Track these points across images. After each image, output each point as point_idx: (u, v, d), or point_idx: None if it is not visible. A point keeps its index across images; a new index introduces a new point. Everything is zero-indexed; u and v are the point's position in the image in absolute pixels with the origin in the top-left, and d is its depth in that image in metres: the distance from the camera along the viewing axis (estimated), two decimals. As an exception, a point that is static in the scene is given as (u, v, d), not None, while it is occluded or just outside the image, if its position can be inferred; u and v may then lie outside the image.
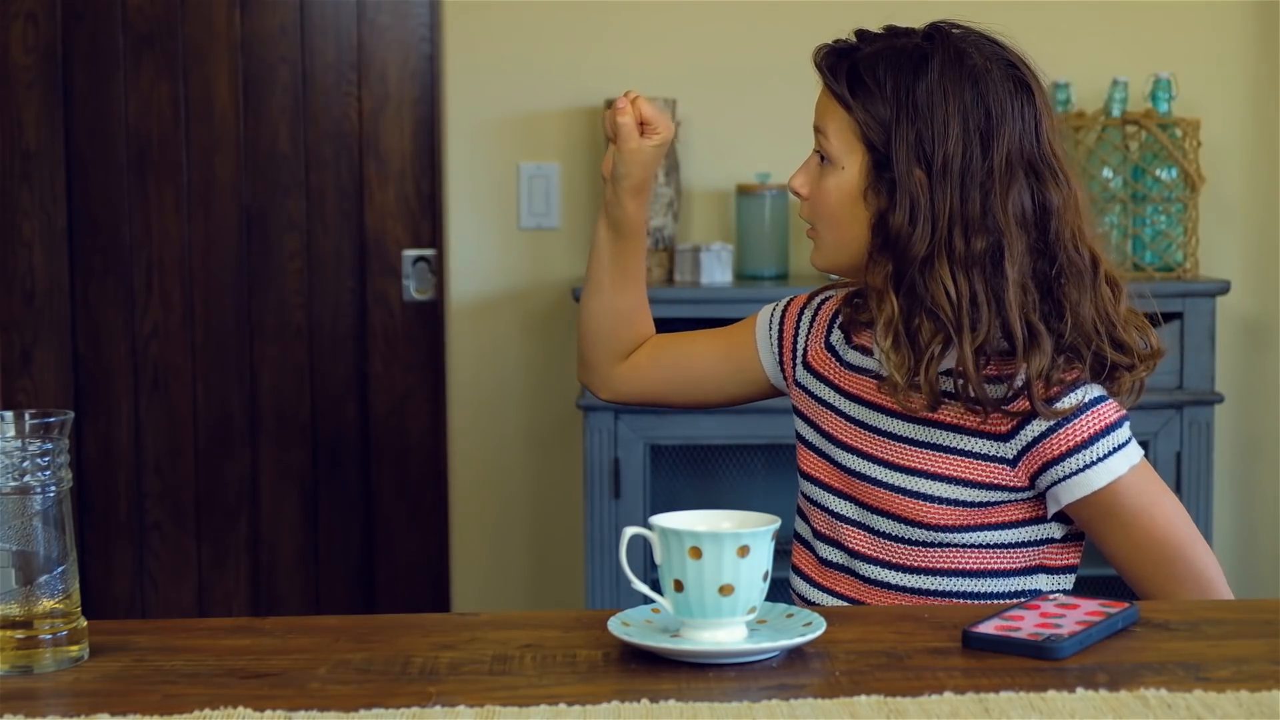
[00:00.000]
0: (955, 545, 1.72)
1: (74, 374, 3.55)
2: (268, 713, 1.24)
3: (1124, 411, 1.71)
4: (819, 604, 1.78)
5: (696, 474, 3.45)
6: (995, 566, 1.73)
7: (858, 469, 1.77)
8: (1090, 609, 1.46)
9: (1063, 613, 1.45)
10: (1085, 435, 1.67)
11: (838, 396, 1.82)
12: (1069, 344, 1.69)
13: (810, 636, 1.37)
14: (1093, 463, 1.67)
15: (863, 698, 1.26)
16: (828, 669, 1.35)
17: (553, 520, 3.52)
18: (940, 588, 1.73)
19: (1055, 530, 1.74)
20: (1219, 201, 3.47)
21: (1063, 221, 1.71)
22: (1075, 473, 1.68)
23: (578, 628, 1.47)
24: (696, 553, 1.37)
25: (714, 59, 3.44)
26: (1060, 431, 1.68)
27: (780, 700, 1.26)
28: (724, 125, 3.46)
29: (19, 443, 1.35)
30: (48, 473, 1.36)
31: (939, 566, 1.73)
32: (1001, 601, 1.72)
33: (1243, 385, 3.52)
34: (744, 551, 1.37)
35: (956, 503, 1.72)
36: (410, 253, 3.57)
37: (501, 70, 3.43)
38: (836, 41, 1.76)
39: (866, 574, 1.76)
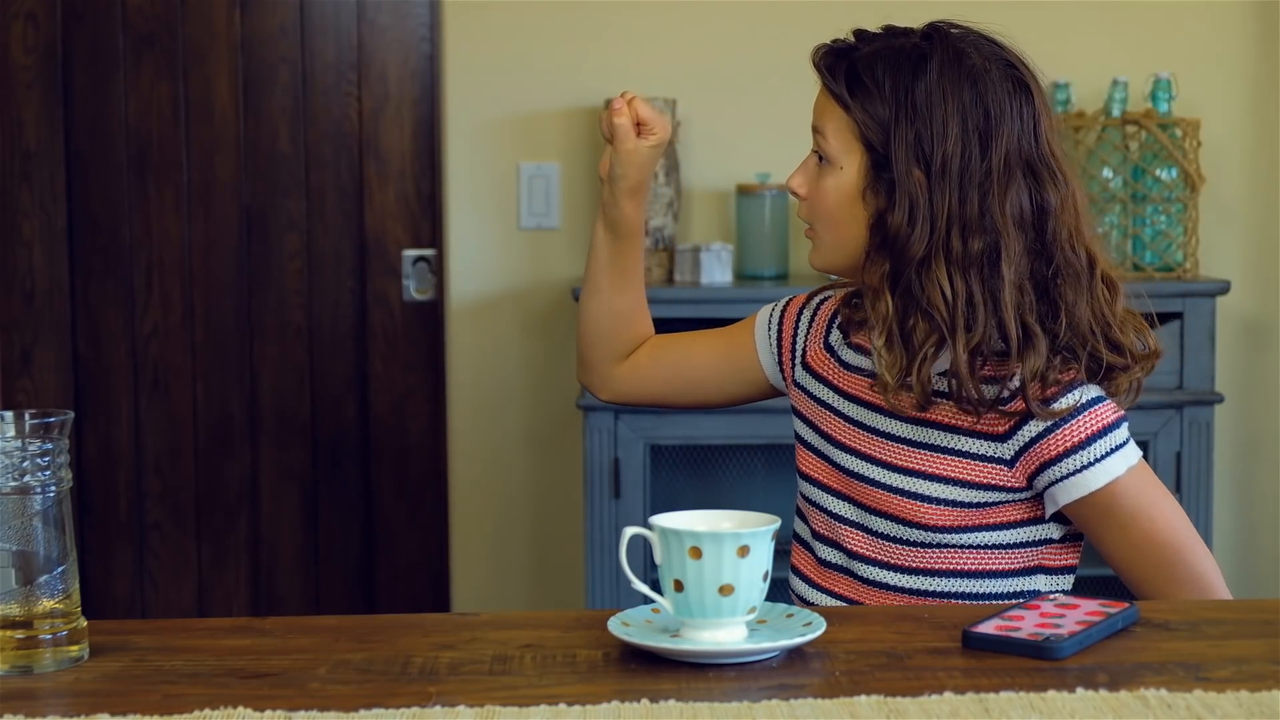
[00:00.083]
0: (953, 546, 1.72)
1: (74, 374, 3.55)
2: (268, 713, 1.24)
3: (1122, 412, 1.71)
4: (818, 605, 1.78)
5: (696, 474, 3.45)
6: (993, 567, 1.73)
7: (856, 469, 1.77)
8: (1090, 609, 1.46)
9: (1063, 613, 1.45)
10: (1083, 436, 1.67)
11: (836, 397, 1.82)
12: (1065, 344, 1.69)
13: (810, 636, 1.37)
14: (1091, 463, 1.67)
15: (863, 698, 1.26)
16: (828, 669, 1.35)
17: (553, 520, 3.52)
18: (938, 588, 1.73)
19: (1053, 531, 1.74)
20: (1219, 201, 3.47)
21: (1060, 222, 1.71)
22: (1073, 473, 1.68)
23: (578, 628, 1.47)
24: (696, 553, 1.37)
25: (714, 59, 3.44)
26: (1058, 432, 1.68)
27: (780, 700, 1.26)
28: (724, 125, 3.46)
29: (19, 443, 1.35)
30: (48, 473, 1.36)
31: (937, 567, 1.73)
32: (1000, 602, 1.72)
33: (1243, 385, 3.52)
34: (744, 551, 1.37)
35: (954, 503, 1.72)
36: (410, 253, 3.57)
37: (501, 70, 3.43)
38: (835, 41, 1.76)
39: (865, 575, 1.76)
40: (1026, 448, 1.69)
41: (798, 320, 1.91)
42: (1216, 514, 3.43)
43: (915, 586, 1.73)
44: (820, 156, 1.76)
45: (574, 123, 3.44)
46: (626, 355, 1.98)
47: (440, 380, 3.57)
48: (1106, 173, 3.31)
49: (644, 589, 1.43)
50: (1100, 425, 1.68)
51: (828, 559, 1.81)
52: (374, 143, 3.55)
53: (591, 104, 3.41)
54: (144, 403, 3.56)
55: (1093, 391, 1.70)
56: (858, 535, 1.77)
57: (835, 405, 1.82)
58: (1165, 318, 3.13)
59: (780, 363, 1.91)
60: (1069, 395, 1.68)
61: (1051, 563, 1.75)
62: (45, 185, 3.51)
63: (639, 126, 1.83)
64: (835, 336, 1.86)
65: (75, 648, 1.38)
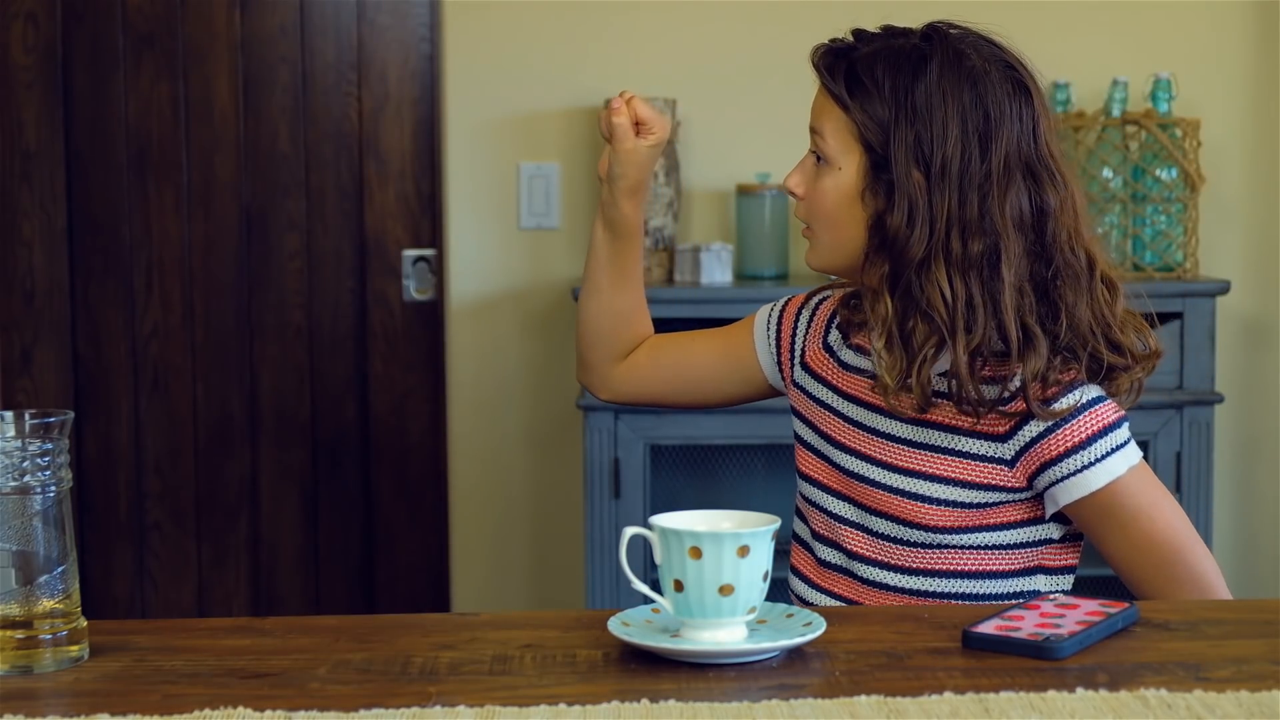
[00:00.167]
0: (953, 546, 1.72)
1: (74, 374, 3.55)
2: (268, 713, 1.24)
3: (1122, 412, 1.71)
4: (817, 605, 1.78)
5: (696, 474, 3.45)
6: (993, 568, 1.73)
7: (856, 470, 1.77)
8: (1090, 609, 1.46)
9: (1063, 613, 1.45)
10: (1084, 436, 1.67)
11: (835, 397, 1.82)
12: (1065, 345, 1.69)
13: (810, 636, 1.37)
14: (1091, 463, 1.67)
15: (863, 698, 1.26)
16: (828, 669, 1.35)
17: (553, 520, 3.52)
18: (938, 589, 1.73)
19: (1053, 531, 1.74)
20: (1219, 201, 3.47)
21: (1059, 224, 1.71)
22: (1074, 473, 1.67)
23: (578, 628, 1.47)
24: (696, 553, 1.37)
25: (714, 59, 3.44)
26: (1058, 432, 1.68)
27: (780, 700, 1.27)
28: (724, 125, 3.46)
29: (19, 443, 1.35)
30: (48, 473, 1.36)
31: (937, 568, 1.73)
32: (1000, 602, 1.72)
33: (1243, 385, 3.52)
34: (744, 551, 1.37)
35: (954, 504, 1.72)
36: (410, 253, 3.57)
37: (501, 70, 3.43)
38: (833, 41, 1.76)
39: (865, 575, 1.76)
40: (1027, 448, 1.69)
41: (796, 320, 1.91)
42: (1216, 514, 3.43)
43: (915, 587, 1.73)
44: (818, 157, 1.76)
45: (574, 123, 3.44)
46: (626, 355, 1.98)
47: (440, 380, 3.57)
48: (1106, 173, 3.31)
49: (644, 589, 1.43)
50: (1101, 425, 1.68)
51: (827, 559, 1.81)
52: (374, 143, 3.55)
53: (591, 104, 3.41)
54: (144, 403, 3.56)
55: (1093, 391, 1.70)
56: (857, 535, 1.77)
57: (834, 405, 1.82)
58: (1165, 318, 3.13)
59: (779, 363, 1.91)
60: (1069, 395, 1.68)
61: (1051, 563, 1.75)
62: (45, 185, 3.51)
63: (638, 126, 1.83)
64: (834, 337, 1.86)
65: (75, 648, 1.38)
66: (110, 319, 3.54)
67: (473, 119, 3.45)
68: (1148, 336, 1.75)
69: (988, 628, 1.41)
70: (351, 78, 3.53)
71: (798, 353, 1.89)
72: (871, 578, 1.76)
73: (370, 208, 3.56)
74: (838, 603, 1.78)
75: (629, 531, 1.42)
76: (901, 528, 1.73)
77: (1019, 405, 1.68)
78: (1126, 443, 1.69)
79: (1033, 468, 1.69)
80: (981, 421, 1.70)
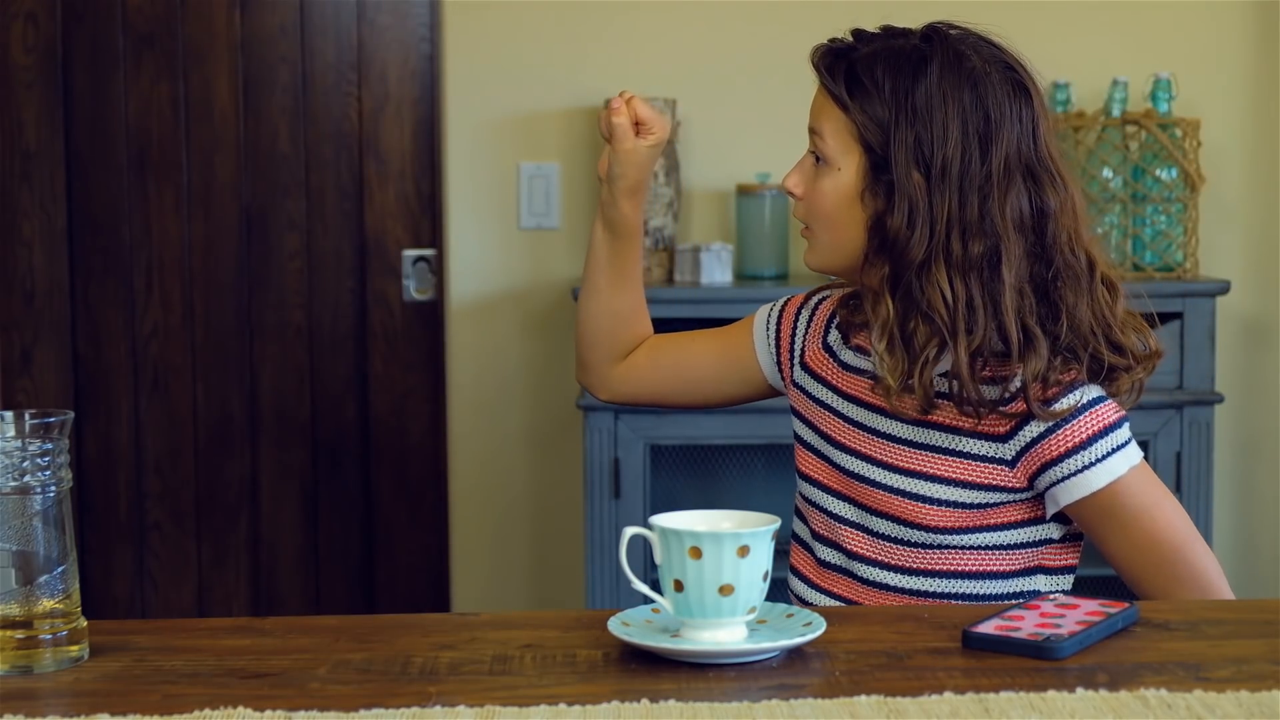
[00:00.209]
0: (954, 547, 1.72)
1: (74, 374, 3.55)
2: (268, 713, 1.24)
3: (1123, 412, 1.71)
4: (817, 605, 1.78)
5: (696, 474, 3.45)
6: (994, 568, 1.73)
7: (856, 470, 1.77)
8: (1090, 609, 1.46)
9: (1063, 613, 1.45)
10: (1084, 436, 1.67)
11: (835, 397, 1.82)
12: (1065, 346, 1.69)
13: (810, 636, 1.37)
14: (1092, 463, 1.67)
15: (863, 698, 1.26)
16: (828, 669, 1.35)
17: (553, 520, 3.52)
18: (938, 589, 1.73)
19: (1054, 531, 1.74)
20: (1219, 201, 3.47)
21: (1059, 225, 1.71)
22: (1074, 473, 1.67)
23: (578, 628, 1.47)
24: (696, 553, 1.37)
25: (714, 59, 3.44)
26: (1059, 432, 1.68)
27: (780, 700, 1.27)
28: (724, 125, 3.46)
29: (19, 443, 1.35)
30: (48, 473, 1.36)
31: (937, 568, 1.73)
32: (1000, 602, 1.72)
33: (1243, 385, 3.52)
34: (744, 551, 1.37)
35: (955, 504, 1.71)
36: (410, 253, 3.57)
37: (501, 70, 3.43)
38: (833, 41, 1.76)
39: (865, 575, 1.76)
40: (1027, 448, 1.69)
41: (796, 320, 1.91)
42: (1216, 514, 3.43)
43: (915, 587, 1.73)
44: (817, 157, 1.76)
45: (574, 123, 3.44)
46: (625, 355, 1.98)
47: (440, 380, 3.57)
48: (1106, 173, 3.30)
49: (644, 589, 1.43)
50: (1101, 425, 1.68)
51: (827, 559, 1.81)
52: (374, 143, 3.55)
53: (591, 104, 3.41)
54: (144, 403, 3.56)
55: (1093, 392, 1.70)
56: (858, 536, 1.77)
57: (834, 406, 1.82)
58: (1165, 318, 3.13)
59: (779, 363, 1.91)
60: (1070, 396, 1.68)
61: (1051, 563, 1.75)
62: (45, 185, 3.51)
63: (638, 126, 1.83)
64: (834, 337, 1.86)
65: (75, 648, 1.38)
66: (110, 319, 3.54)
67: (473, 119, 3.45)
68: (1148, 337, 1.75)
69: (988, 628, 1.41)
70: (351, 78, 3.53)
71: (797, 353, 1.89)
72: (871, 578, 1.76)
73: (370, 208, 3.56)
74: (837, 603, 1.78)
75: (629, 531, 1.42)
76: (902, 528, 1.73)
77: (1019, 406, 1.68)
78: (1127, 443, 1.69)
79: (1033, 468, 1.69)
80: (982, 422, 1.70)
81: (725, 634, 1.38)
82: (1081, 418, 1.68)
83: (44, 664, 1.36)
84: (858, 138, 1.71)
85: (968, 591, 1.72)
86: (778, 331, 1.92)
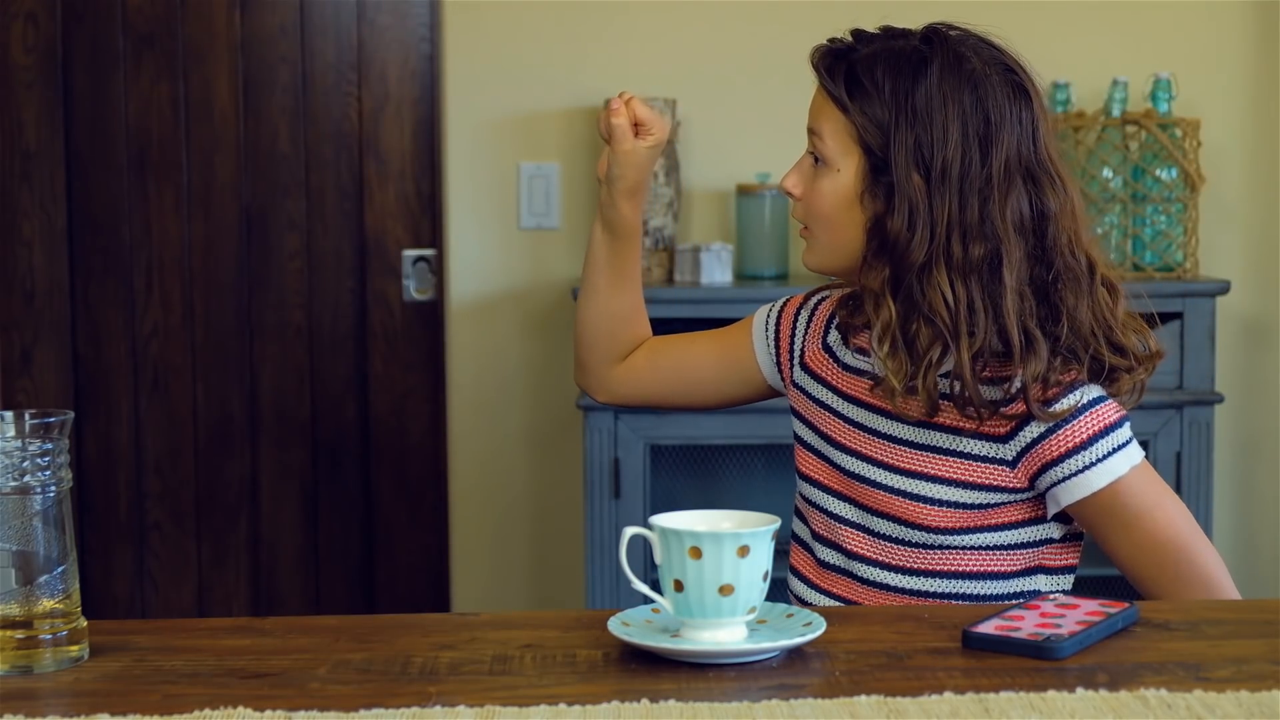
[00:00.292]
0: (955, 547, 1.72)
1: (74, 374, 3.55)
2: (268, 713, 1.24)
3: (1124, 411, 1.71)
4: (817, 605, 1.78)
5: (696, 474, 3.45)
6: (994, 568, 1.73)
7: (856, 471, 1.77)
8: (1090, 609, 1.46)
9: (1063, 613, 1.45)
10: (1085, 436, 1.67)
11: (835, 398, 1.82)
12: (1066, 347, 1.69)
13: (810, 636, 1.37)
14: (1093, 463, 1.67)
15: (863, 698, 1.26)
16: (828, 669, 1.35)
17: (553, 520, 3.52)
18: (939, 590, 1.73)
19: (1054, 530, 1.74)
20: (1219, 201, 3.47)
21: (1060, 227, 1.70)
22: (1075, 474, 1.67)
23: (578, 628, 1.47)
24: (696, 553, 1.37)
25: (714, 59, 3.44)
26: (1060, 432, 1.67)
27: (780, 700, 1.27)
28: (724, 125, 3.46)
29: (19, 443, 1.35)
30: (48, 473, 1.36)
31: (938, 568, 1.73)
32: (1000, 602, 1.72)
33: (1243, 385, 3.52)
34: (744, 551, 1.37)
35: (956, 505, 1.71)
36: (410, 253, 3.57)
37: (501, 70, 3.43)
38: (832, 41, 1.76)
39: (865, 575, 1.76)
40: (1028, 449, 1.69)
41: (795, 321, 1.91)
42: (1216, 514, 3.43)
43: (916, 588, 1.73)
44: (816, 158, 1.75)
45: (574, 123, 3.44)
46: (624, 357, 1.98)
47: (440, 380, 3.57)
48: (1106, 173, 3.30)
49: (644, 589, 1.43)
50: (1102, 425, 1.68)
51: (827, 560, 1.81)
52: (374, 143, 3.55)
53: (591, 104, 3.41)
54: (144, 403, 3.56)
55: (1094, 392, 1.70)
56: (858, 536, 1.77)
57: (834, 406, 1.82)
58: (1165, 318, 3.13)
59: (778, 363, 1.91)
60: (1070, 396, 1.68)
61: (1052, 563, 1.75)
62: (45, 185, 3.51)
63: (637, 127, 1.83)
64: (834, 337, 1.86)
65: (75, 648, 1.38)
66: (110, 319, 3.54)
67: (473, 119, 3.45)
68: (1148, 338, 1.75)
69: (988, 628, 1.41)
70: (351, 78, 3.53)
71: (797, 353, 1.89)
72: (872, 578, 1.76)
73: (370, 208, 3.56)
74: (837, 603, 1.78)
75: (629, 531, 1.42)
76: (903, 528, 1.73)
77: (1019, 407, 1.68)
78: (1128, 442, 1.69)
79: (1034, 468, 1.69)
80: (983, 423, 1.70)
81: (725, 634, 1.38)
82: (1082, 418, 1.68)
83: (44, 664, 1.36)
84: (857, 139, 1.71)
85: (968, 592, 1.72)
86: (777, 332, 1.91)
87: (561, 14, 3.43)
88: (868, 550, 1.76)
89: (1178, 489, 3.13)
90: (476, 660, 1.37)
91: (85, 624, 1.40)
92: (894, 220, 1.68)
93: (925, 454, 1.73)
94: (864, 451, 1.77)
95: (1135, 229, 3.31)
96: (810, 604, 1.80)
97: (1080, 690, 1.27)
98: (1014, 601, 1.67)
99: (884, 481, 1.75)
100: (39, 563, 1.36)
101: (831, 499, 1.80)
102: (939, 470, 1.72)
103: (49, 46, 3.49)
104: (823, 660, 1.37)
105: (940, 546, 1.72)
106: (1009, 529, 1.72)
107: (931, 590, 1.73)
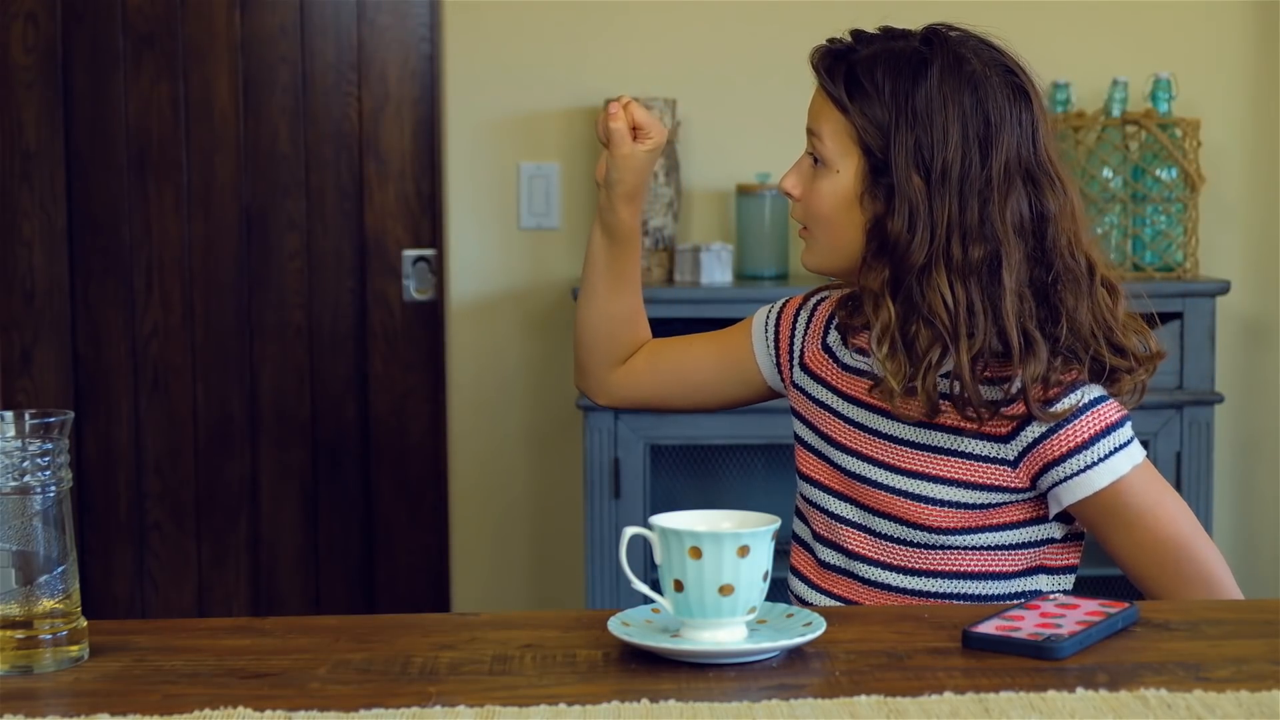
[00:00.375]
0: (957, 547, 1.72)
1: (74, 374, 3.55)
2: (268, 713, 1.24)
3: (1125, 411, 1.71)
4: (817, 606, 1.78)
5: (696, 474, 3.45)
6: (996, 568, 1.73)
7: (857, 471, 1.77)
8: (1090, 609, 1.46)
9: (1063, 613, 1.45)
10: (1086, 435, 1.67)
11: (835, 398, 1.82)
12: (1066, 348, 1.69)
13: (810, 636, 1.37)
14: (1094, 463, 1.67)
15: (863, 698, 1.26)
16: (828, 669, 1.35)
17: (553, 520, 3.52)
18: (941, 590, 1.73)
19: (1055, 530, 1.74)
20: (1219, 201, 3.47)
21: (1059, 229, 1.70)
22: (1077, 473, 1.67)
23: (578, 628, 1.47)
24: (696, 553, 1.37)
25: (714, 59, 3.44)
26: (1061, 432, 1.67)
27: (780, 700, 1.27)
28: (724, 125, 3.46)
29: (19, 443, 1.35)
30: (48, 473, 1.36)
31: (940, 569, 1.73)
32: (1001, 603, 1.72)
33: (1243, 385, 3.52)
34: (744, 551, 1.37)
35: (958, 505, 1.71)
36: (410, 253, 3.57)
37: (501, 70, 3.43)
38: (831, 42, 1.76)
39: (866, 575, 1.76)
40: (1030, 448, 1.69)
41: (794, 321, 1.91)
42: (1216, 514, 3.43)
43: (918, 588, 1.73)
44: (815, 158, 1.75)
45: (574, 123, 3.44)
46: (624, 360, 1.98)
47: (440, 380, 3.57)
48: (1106, 173, 3.30)
49: (644, 589, 1.43)
50: (1104, 425, 1.68)
51: (828, 560, 1.80)
52: (374, 143, 3.55)
53: (591, 104, 3.41)
54: (144, 403, 3.56)
55: (1095, 391, 1.70)
56: (859, 536, 1.77)
57: (835, 407, 1.82)
58: (1165, 318, 3.13)
59: (778, 364, 1.91)
60: (1070, 396, 1.68)
61: (1053, 562, 1.75)
62: (45, 185, 3.51)
63: (635, 131, 1.83)
64: (833, 338, 1.86)
65: (75, 648, 1.38)
66: (110, 319, 3.54)
67: (473, 119, 3.45)
68: (1149, 339, 1.75)
69: (988, 628, 1.41)
70: (351, 78, 3.53)
71: (796, 354, 1.89)
72: (873, 578, 1.75)
73: (370, 208, 3.56)
74: (839, 604, 1.78)
75: (629, 531, 1.42)
76: (905, 529, 1.73)
77: (1020, 408, 1.68)
78: (1129, 442, 1.69)
79: (1036, 468, 1.69)
80: (984, 423, 1.70)
81: (725, 634, 1.38)
82: (1083, 417, 1.67)
83: (44, 664, 1.36)
84: (857, 140, 1.71)
85: (970, 592, 1.72)
86: (776, 333, 1.91)
87: (561, 14, 3.43)
88: (869, 550, 1.76)
89: (1177, 489, 3.12)
90: (476, 660, 1.37)
91: (85, 624, 1.40)
92: (894, 222, 1.68)
93: (926, 454, 1.73)
94: (865, 452, 1.77)
95: (1135, 229, 3.31)
96: (811, 604, 1.80)
97: (1080, 690, 1.27)
98: (1014, 601, 1.67)
99: (885, 482, 1.74)
100: (39, 563, 1.36)
101: (832, 499, 1.80)
102: (940, 470, 1.72)
103: (49, 46, 3.49)
104: (823, 660, 1.37)
105: (942, 547, 1.72)
106: (1011, 529, 1.72)
107: (933, 590, 1.73)
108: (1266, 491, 3.55)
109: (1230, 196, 3.50)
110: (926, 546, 1.73)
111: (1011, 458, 1.70)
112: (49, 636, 1.36)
